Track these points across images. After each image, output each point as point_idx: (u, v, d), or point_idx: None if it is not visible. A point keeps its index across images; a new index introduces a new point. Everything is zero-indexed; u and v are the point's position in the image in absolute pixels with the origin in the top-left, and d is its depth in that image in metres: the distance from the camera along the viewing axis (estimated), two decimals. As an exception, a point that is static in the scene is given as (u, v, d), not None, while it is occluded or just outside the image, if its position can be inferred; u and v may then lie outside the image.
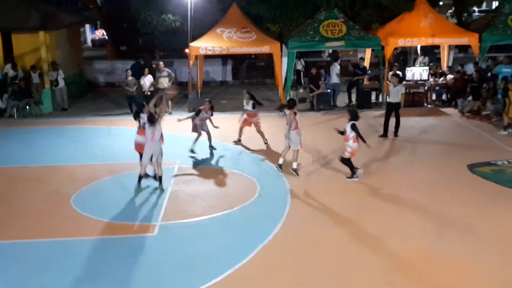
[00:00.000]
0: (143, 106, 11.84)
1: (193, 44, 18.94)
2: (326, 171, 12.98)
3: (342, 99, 20.08)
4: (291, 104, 12.51)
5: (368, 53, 21.71)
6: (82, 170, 13.07)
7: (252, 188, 11.82)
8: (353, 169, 12.22)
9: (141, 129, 11.77)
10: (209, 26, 20.26)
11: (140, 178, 11.58)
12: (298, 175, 12.51)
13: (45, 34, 19.02)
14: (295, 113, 12.34)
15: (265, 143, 14.81)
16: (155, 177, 11.88)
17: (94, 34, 42.23)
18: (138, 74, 18.63)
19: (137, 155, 12.19)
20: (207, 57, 21.65)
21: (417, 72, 19.74)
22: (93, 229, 9.99)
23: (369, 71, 20.77)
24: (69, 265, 8.66)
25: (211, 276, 8.19)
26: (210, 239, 9.51)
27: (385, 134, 15.60)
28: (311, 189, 11.78)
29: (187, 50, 19.56)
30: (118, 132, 16.48)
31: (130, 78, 18.36)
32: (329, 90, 19.28)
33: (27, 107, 18.76)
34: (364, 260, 8.70)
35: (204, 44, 18.91)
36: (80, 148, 14.83)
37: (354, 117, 11.88)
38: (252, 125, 14.95)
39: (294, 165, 12.60)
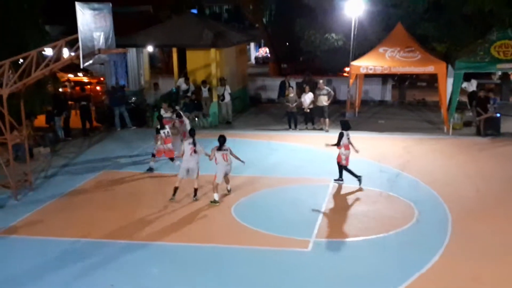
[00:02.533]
0: None
1: (354, 63, 18.97)
2: (492, 201, 12.12)
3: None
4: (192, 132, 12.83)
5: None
6: (243, 181, 13.71)
7: (410, 213, 11.45)
8: (340, 176, 13.28)
9: (165, 138, 14.44)
10: (371, 45, 20.18)
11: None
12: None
13: (216, 51, 20.36)
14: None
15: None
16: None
17: (258, 52, 44.22)
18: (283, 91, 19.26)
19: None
20: (367, 76, 21.53)
21: None
22: (250, 238, 10.45)
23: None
24: (223, 271, 9.16)
25: (364, 299, 8.11)
26: (364, 262, 9.40)
27: None
28: (474, 219, 11.09)
29: (347, 69, 19.65)
30: (276, 147, 17.05)
31: (292, 95, 18.92)
32: (498, 115, 17.99)
33: (196, 119, 20.20)
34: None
35: (365, 63, 18.85)
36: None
37: (343, 126, 13.19)
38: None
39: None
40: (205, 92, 20.53)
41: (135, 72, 22.13)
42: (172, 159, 14.70)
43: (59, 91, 20.82)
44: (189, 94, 20.32)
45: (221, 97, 20.26)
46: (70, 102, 20.51)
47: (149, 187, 13.74)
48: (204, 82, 20.56)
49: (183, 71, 22.45)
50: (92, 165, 15.68)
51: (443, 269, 9.04)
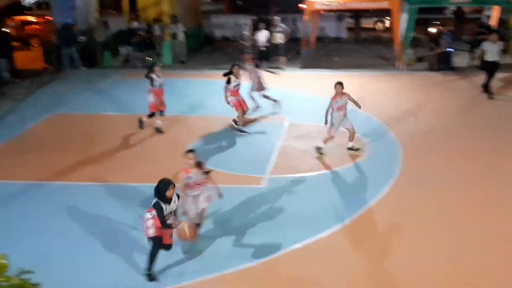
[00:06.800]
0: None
1: (309, -1, 18.67)
2: (444, 135, 12.40)
3: (465, 59, 18.93)
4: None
5: (496, 11, 20.09)
6: (199, 121, 13.61)
7: (362, 148, 11.66)
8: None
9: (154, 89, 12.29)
10: (327, -20, 19.81)
11: None
12: None
13: (167, -12, 19.68)
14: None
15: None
16: None
17: (212, -12, 42.89)
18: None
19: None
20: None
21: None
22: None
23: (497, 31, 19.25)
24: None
25: (317, 231, 8.31)
26: (317, 196, 9.59)
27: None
28: (426, 153, 11.37)
29: (302, 5, 19.37)
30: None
31: (246, 33, 18.58)
32: (452, 50, 18.21)
33: (149, 58, 19.68)
34: (475, 230, 8.33)
35: (321, -1, 18.59)
36: (196, 100, 15.38)
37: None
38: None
39: None
40: (156, 31, 19.95)
41: (83, 9, 21.19)
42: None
43: (4, 32, 19.84)
44: (140, 32, 19.69)
45: (174, 36, 19.72)
46: (14, 43, 19.63)
47: (102, 127, 13.47)
48: (155, 20, 19.92)
49: (133, 9, 21.65)
50: (42, 107, 15.19)
51: (392, 201, 9.31)
